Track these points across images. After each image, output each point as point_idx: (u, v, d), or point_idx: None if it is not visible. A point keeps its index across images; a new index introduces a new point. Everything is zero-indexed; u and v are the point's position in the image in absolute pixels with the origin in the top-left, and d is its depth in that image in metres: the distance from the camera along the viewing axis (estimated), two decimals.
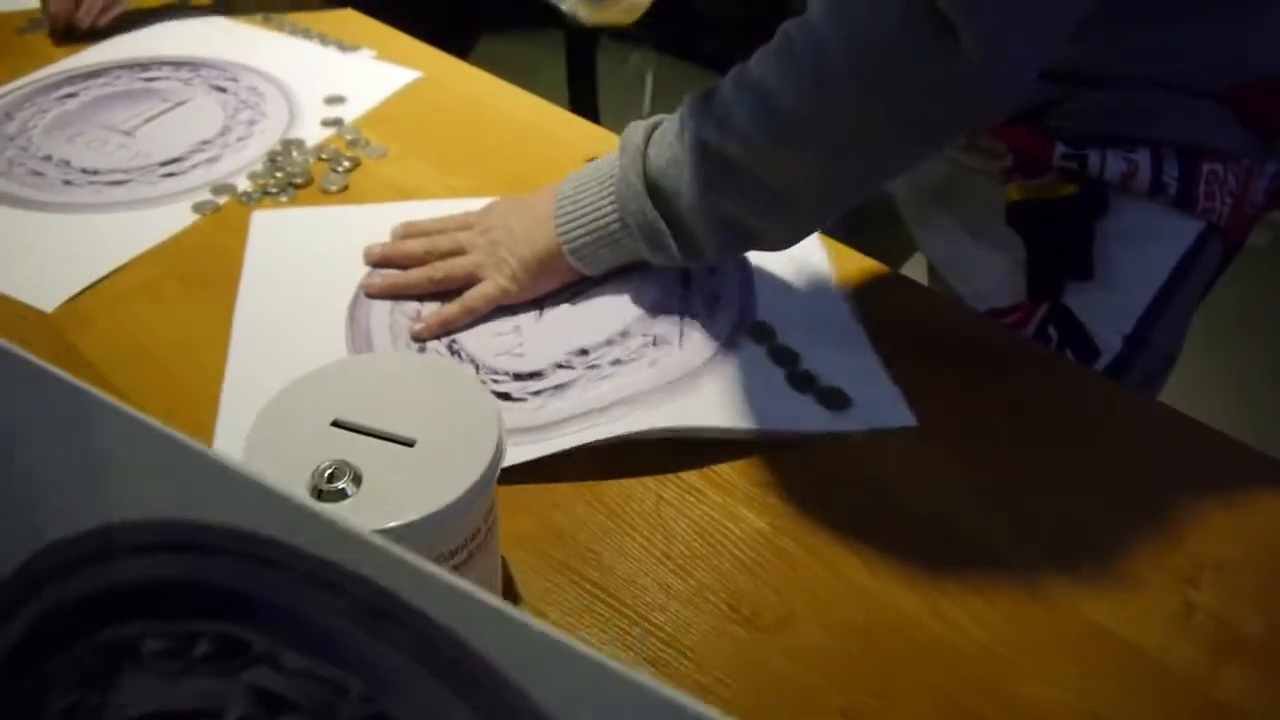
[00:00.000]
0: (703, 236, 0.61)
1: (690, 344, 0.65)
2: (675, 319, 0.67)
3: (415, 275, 0.68)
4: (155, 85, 0.94)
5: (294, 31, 1.05)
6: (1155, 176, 0.67)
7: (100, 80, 0.94)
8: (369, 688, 0.21)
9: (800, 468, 0.57)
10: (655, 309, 0.67)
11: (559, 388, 0.62)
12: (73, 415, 0.25)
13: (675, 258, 0.63)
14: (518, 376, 0.62)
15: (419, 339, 0.65)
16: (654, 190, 0.62)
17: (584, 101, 1.29)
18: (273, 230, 0.75)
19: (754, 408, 0.59)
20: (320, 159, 0.84)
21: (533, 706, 0.19)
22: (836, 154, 0.56)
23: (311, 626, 0.21)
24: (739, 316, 0.67)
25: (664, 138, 0.62)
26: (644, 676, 0.18)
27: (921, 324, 0.68)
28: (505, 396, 0.61)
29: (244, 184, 0.81)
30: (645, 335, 0.66)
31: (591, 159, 0.68)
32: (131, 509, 0.24)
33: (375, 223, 0.75)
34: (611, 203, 0.64)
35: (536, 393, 0.61)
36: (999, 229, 0.72)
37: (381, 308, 0.68)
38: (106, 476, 0.24)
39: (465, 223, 0.70)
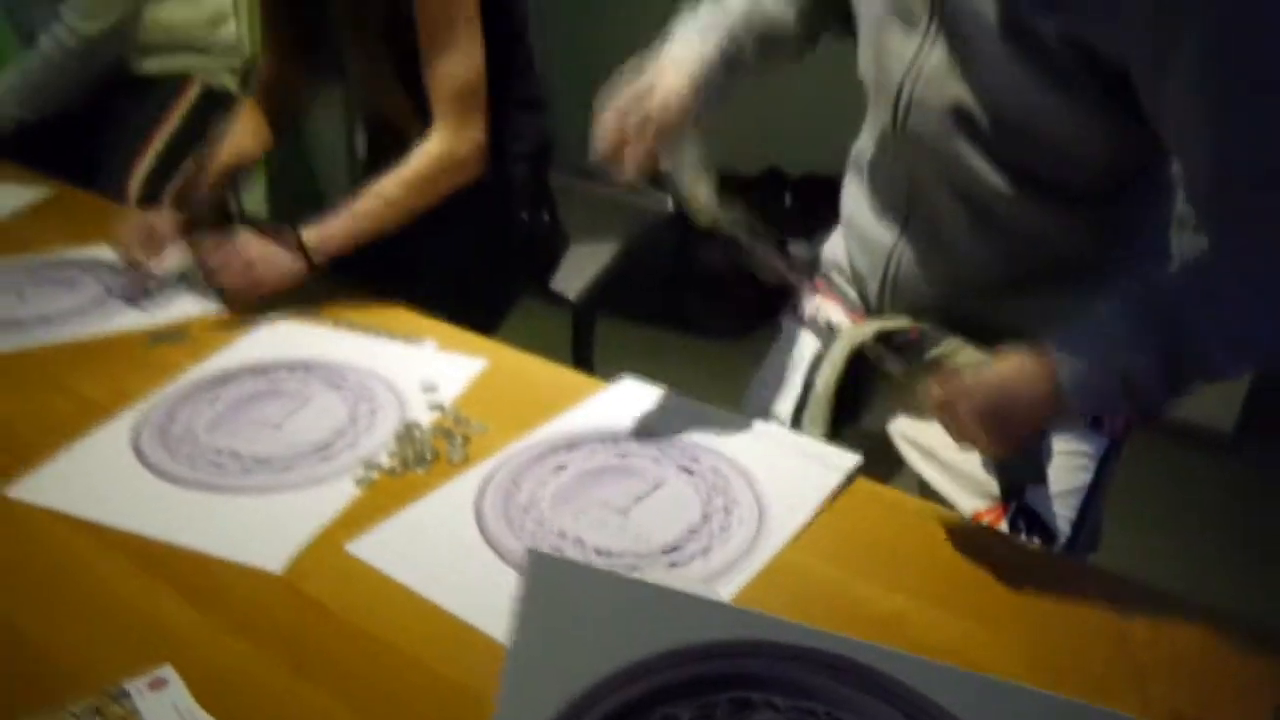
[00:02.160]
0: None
1: (740, 491, 0.97)
2: (718, 488, 1.01)
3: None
4: (281, 386, 1.18)
5: (366, 330, 1.31)
6: None
7: (232, 385, 1.18)
8: None
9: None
10: (703, 495, 1.00)
11: (704, 551, 0.91)
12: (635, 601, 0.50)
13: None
14: (664, 550, 0.92)
15: None
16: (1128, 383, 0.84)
17: (584, 367, 1.58)
18: None
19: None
20: (438, 436, 1.08)
21: None
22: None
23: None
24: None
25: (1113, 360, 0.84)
26: None
27: (923, 530, 0.95)
28: (674, 565, 0.89)
29: (386, 460, 1.04)
30: (718, 509, 0.97)
31: None
32: (684, 638, 0.48)
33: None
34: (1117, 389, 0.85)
35: (691, 556, 0.91)
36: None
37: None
38: (663, 619, 0.48)
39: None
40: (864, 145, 1.14)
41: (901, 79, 0.99)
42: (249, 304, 1.33)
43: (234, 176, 1.54)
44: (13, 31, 2.03)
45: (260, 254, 1.32)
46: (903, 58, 0.98)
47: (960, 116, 0.95)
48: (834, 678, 0.45)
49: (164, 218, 1.43)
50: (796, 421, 1.19)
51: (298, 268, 1.34)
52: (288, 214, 1.41)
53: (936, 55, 0.95)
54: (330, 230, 1.35)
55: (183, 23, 2.00)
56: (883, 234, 1.11)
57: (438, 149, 1.39)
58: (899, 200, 1.09)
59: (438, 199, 1.40)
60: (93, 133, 1.94)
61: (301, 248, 1.33)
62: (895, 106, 1.01)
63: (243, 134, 1.53)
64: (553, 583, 0.51)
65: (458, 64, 1.35)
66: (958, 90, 0.94)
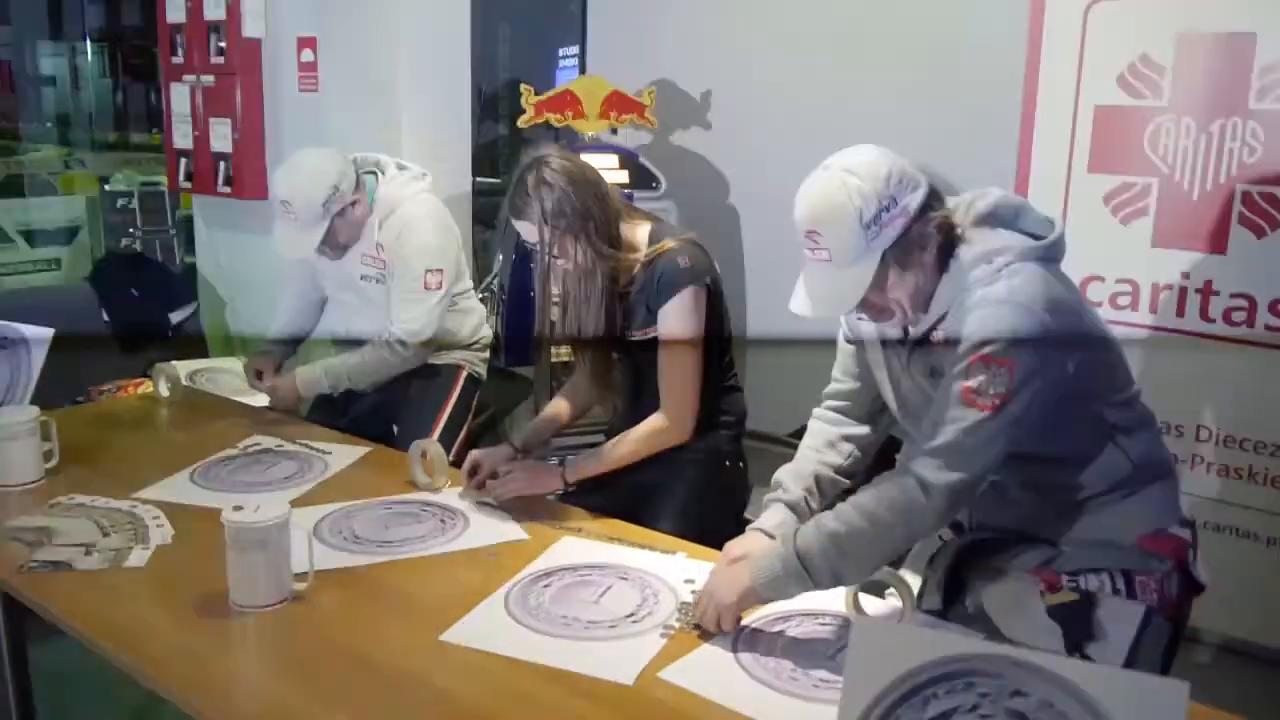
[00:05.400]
0: None
1: None
2: None
3: None
4: (587, 579, 1.74)
5: (633, 545, 1.88)
6: (1113, 586, 1.50)
7: (556, 577, 1.75)
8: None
9: None
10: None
11: None
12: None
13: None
14: None
15: None
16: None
17: None
18: None
19: None
20: None
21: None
22: None
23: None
24: None
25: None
26: None
27: None
28: None
29: (676, 622, 1.59)
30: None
31: None
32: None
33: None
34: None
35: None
36: (1045, 622, 1.54)
37: None
38: (940, 644, 1.03)
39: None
40: None
41: None
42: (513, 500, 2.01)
43: (548, 434, 2.28)
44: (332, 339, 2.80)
45: (534, 473, 2.04)
46: None
47: None
48: (1017, 666, 0.98)
49: (494, 454, 2.10)
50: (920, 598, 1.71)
51: (555, 484, 2.05)
52: None
53: None
54: (584, 464, 2.06)
55: (456, 328, 2.74)
56: None
57: (660, 426, 2.08)
58: None
59: (650, 454, 2.09)
60: (394, 407, 2.65)
61: (561, 470, 2.05)
62: None
63: (559, 412, 2.28)
64: (872, 634, 1.05)
65: (685, 386, 2.06)
66: None
